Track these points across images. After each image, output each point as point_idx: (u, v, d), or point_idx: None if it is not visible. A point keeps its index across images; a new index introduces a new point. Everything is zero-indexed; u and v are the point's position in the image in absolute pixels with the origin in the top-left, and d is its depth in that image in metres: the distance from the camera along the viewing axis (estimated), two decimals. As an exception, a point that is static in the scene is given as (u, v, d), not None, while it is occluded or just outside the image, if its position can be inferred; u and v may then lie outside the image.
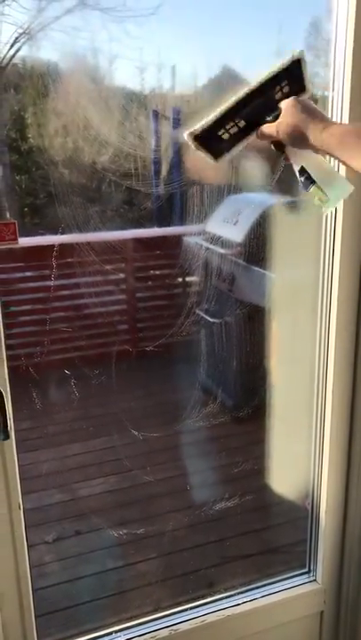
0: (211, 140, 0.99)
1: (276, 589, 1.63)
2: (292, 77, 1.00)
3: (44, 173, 1.66)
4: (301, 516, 1.70)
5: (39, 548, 2.05)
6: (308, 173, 0.96)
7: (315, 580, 1.66)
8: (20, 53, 1.45)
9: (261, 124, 0.99)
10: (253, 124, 0.99)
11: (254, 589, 1.63)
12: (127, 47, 1.45)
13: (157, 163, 2.10)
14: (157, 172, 2.10)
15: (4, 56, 1.45)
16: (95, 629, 1.52)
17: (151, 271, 3.12)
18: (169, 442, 2.18)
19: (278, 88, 1.00)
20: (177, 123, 2.09)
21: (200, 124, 0.98)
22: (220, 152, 1.01)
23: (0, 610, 1.31)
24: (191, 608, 1.56)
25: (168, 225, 2.50)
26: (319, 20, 1.36)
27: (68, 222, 1.36)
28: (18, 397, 1.19)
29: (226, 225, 2.61)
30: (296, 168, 0.98)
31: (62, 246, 1.36)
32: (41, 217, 2.04)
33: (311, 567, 1.67)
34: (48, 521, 2.15)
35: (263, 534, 2.17)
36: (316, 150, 0.95)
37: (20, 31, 1.36)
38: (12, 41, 1.40)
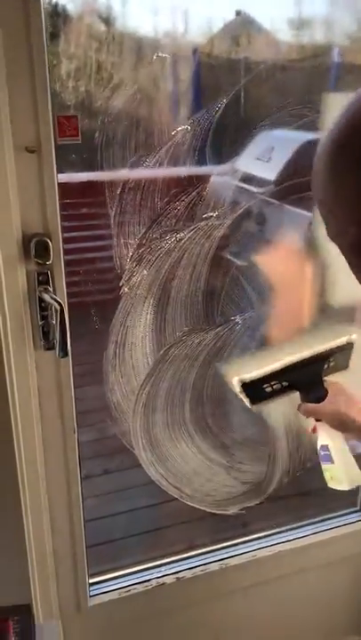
0: (254, 390, 1.07)
1: (325, 527, 1.58)
2: (340, 355, 1.10)
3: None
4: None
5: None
6: (330, 453, 1.03)
7: (366, 518, 1.61)
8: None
9: (303, 388, 1.07)
10: (296, 386, 1.07)
11: (304, 526, 1.58)
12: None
13: (176, 106, 1.96)
14: (176, 116, 1.96)
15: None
16: (142, 562, 1.48)
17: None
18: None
19: (327, 362, 1.09)
20: (198, 66, 1.95)
21: (250, 375, 1.06)
22: (258, 400, 1.09)
23: (52, 538, 1.25)
24: (242, 543, 1.52)
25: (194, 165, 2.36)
26: None
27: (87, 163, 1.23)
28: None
29: (258, 162, 2.48)
30: (320, 442, 1.05)
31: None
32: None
33: (362, 505, 1.62)
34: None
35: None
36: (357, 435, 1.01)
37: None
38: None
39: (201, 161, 1.33)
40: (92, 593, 1.37)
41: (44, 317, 1.09)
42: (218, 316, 1.29)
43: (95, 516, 1.84)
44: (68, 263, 1.06)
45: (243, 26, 1.35)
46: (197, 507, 1.43)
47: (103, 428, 1.80)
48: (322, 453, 1.04)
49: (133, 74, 1.16)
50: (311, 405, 1.04)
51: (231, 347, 1.31)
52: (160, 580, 1.42)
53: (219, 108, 1.26)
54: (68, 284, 1.09)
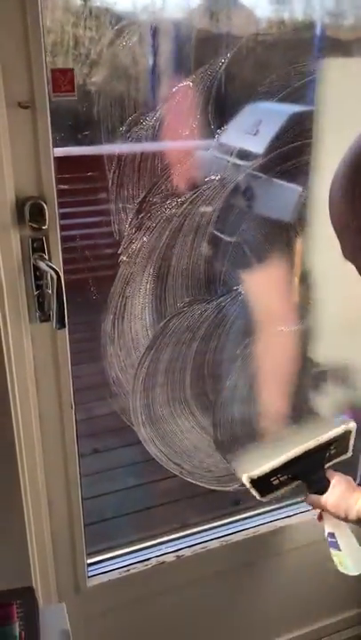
0: (263, 483, 1.13)
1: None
2: (340, 442, 1.15)
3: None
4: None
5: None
6: (337, 540, 1.10)
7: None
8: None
9: (307, 478, 1.13)
10: (300, 477, 1.14)
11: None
12: None
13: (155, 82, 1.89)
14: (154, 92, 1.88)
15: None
16: (141, 541, 1.45)
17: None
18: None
19: (328, 450, 1.14)
20: (178, 40, 1.87)
21: (258, 471, 1.12)
22: (268, 492, 1.16)
23: (50, 518, 1.21)
24: (245, 519, 1.49)
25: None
26: None
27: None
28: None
29: (245, 136, 2.42)
30: (327, 530, 1.12)
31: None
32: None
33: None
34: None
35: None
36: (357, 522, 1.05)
37: None
38: None
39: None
40: (90, 574, 1.34)
41: (39, 287, 1.03)
42: (220, 285, 1.24)
43: (89, 494, 1.80)
44: (63, 228, 1.00)
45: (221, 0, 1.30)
46: (197, 483, 1.40)
47: (91, 407, 1.76)
48: (329, 540, 1.12)
49: (111, 50, 1.10)
50: (315, 497, 1.11)
51: (233, 318, 1.26)
52: (160, 559, 1.39)
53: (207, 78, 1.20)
54: (65, 252, 1.03)
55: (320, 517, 1.13)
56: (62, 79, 0.96)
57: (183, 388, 1.28)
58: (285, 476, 1.13)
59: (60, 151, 1.00)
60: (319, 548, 1.56)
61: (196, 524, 1.50)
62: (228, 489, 1.44)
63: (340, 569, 1.11)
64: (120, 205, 1.08)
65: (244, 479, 1.13)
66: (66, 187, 1.00)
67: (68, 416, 1.14)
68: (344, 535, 1.10)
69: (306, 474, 1.13)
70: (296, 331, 1.50)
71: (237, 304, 1.26)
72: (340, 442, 1.15)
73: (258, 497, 1.16)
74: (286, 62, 1.32)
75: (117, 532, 1.69)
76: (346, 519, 1.05)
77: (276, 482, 1.13)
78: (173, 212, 1.12)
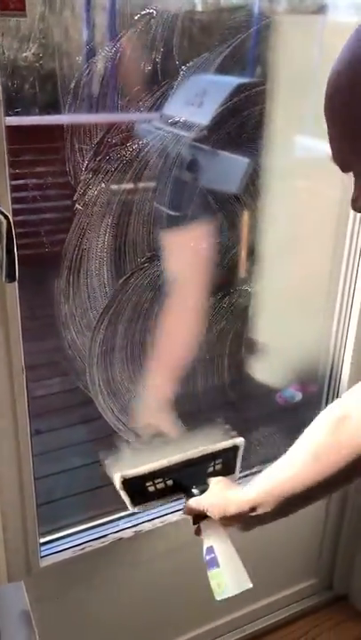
0: (136, 487, 1.01)
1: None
2: (227, 458, 1.07)
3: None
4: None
5: None
6: (216, 555, 0.94)
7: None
8: None
9: (187, 490, 1.00)
10: (180, 488, 1.02)
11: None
12: None
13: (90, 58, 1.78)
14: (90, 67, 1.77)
15: None
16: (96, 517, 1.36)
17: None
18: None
19: (212, 464, 1.05)
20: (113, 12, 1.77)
21: (132, 471, 1.00)
22: (141, 500, 1.02)
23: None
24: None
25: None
26: None
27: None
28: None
29: (189, 107, 2.35)
30: (205, 545, 0.96)
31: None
32: None
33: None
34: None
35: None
36: (244, 527, 0.94)
37: None
38: None
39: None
40: (43, 553, 1.24)
41: (-15, 235, 0.91)
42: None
43: (41, 474, 1.70)
44: (13, 165, 0.88)
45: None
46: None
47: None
48: (207, 558, 0.96)
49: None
50: (193, 501, 0.98)
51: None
52: (117, 535, 1.31)
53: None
54: (15, 202, 0.92)
55: (198, 531, 0.99)
56: (10, -6, 0.83)
57: (144, 352, 1.20)
58: (163, 484, 1.02)
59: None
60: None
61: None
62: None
63: (217, 595, 0.93)
64: (76, 146, 0.97)
65: (116, 479, 1.01)
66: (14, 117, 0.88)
67: (19, 382, 1.04)
68: (224, 547, 0.95)
69: (185, 485, 1.01)
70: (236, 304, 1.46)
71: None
72: (227, 457, 1.06)
73: (129, 504, 1.02)
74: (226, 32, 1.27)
75: (70, 511, 1.61)
76: (226, 518, 0.92)
77: (151, 488, 1.02)
78: (135, 155, 1.02)
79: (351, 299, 1.39)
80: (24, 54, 0.98)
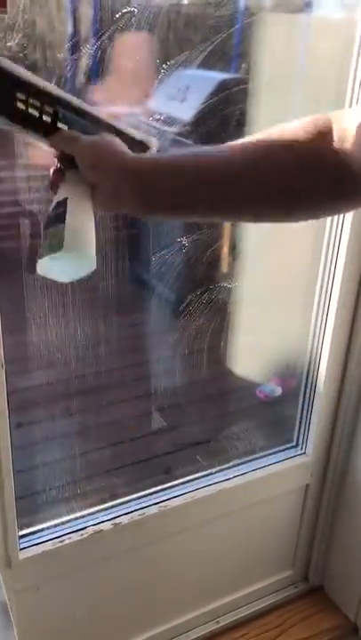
0: (3, 90, 0.70)
1: (265, 464, 1.54)
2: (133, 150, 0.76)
3: None
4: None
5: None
6: (65, 211, 0.68)
7: (303, 454, 1.58)
8: None
9: (70, 122, 0.74)
10: (55, 128, 0.73)
11: (242, 464, 1.53)
12: None
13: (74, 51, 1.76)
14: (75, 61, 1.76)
15: None
16: (75, 510, 1.37)
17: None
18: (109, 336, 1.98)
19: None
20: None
21: (9, 65, 0.70)
22: (3, 112, 0.71)
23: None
24: (183, 483, 1.44)
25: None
26: None
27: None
28: None
29: (172, 102, 2.35)
30: (57, 198, 0.71)
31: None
32: None
33: (300, 440, 1.59)
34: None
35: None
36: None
37: None
38: None
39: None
40: (22, 546, 1.24)
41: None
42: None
43: (20, 467, 1.70)
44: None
45: None
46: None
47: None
48: (52, 213, 0.70)
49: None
50: (69, 133, 0.73)
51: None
52: (96, 528, 1.32)
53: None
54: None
55: (55, 181, 0.74)
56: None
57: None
58: (37, 111, 0.72)
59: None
60: (254, 512, 1.55)
61: (156, 484, 1.44)
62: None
63: (43, 263, 0.67)
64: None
65: None
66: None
67: (-1, 375, 1.04)
68: (81, 207, 0.70)
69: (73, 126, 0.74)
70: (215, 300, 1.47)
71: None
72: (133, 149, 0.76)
73: None
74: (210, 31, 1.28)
75: (49, 504, 1.61)
76: (97, 170, 0.70)
77: (21, 106, 0.72)
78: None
79: (329, 295, 1.41)
80: (8, 44, 0.98)
